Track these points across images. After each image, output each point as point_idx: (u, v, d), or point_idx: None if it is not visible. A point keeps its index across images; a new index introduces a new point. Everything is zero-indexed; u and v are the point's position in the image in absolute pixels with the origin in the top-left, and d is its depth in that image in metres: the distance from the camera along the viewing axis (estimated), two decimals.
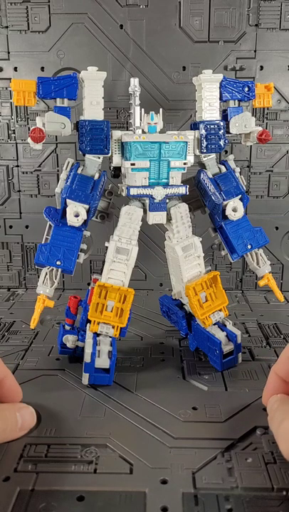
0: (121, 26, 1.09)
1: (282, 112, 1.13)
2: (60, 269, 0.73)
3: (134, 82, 0.78)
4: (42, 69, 1.11)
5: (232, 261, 0.81)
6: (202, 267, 0.78)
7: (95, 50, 1.10)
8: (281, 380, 0.59)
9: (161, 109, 0.75)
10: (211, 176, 0.78)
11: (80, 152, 0.75)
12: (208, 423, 0.63)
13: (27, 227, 1.21)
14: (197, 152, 0.78)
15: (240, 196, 0.78)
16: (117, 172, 0.78)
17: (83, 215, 0.72)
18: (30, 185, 1.18)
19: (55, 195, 0.75)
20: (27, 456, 0.57)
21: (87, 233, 0.75)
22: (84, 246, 0.75)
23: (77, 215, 0.72)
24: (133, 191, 0.73)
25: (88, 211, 0.73)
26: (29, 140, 0.71)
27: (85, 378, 0.71)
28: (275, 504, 0.49)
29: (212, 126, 0.77)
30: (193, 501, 0.50)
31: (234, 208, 0.77)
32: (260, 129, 0.78)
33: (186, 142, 0.73)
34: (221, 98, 0.77)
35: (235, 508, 0.49)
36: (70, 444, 0.59)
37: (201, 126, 0.76)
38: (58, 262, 0.73)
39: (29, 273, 1.24)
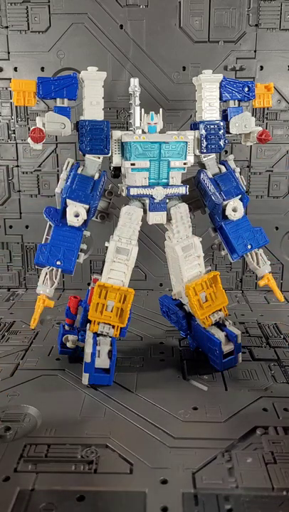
0: (121, 26, 1.09)
1: (282, 112, 1.13)
2: (60, 269, 0.73)
3: (134, 82, 0.77)
4: (42, 69, 1.11)
5: (232, 261, 0.81)
6: (202, 267, 0.78)
7: (95, 50, 1.10)
8: None
9: (161, 109, 0.75)
10: (211, 176, 0.78)
11: (80, 152, 0.75)
12: (208, 423, 0.63)
13: (27, 227, 1.20)
14: (197, 152, 0.77)
15: (240, 196, 0.78)
16: (117, 172, 0.78)
17: (83, 215, 0.72)
18: (30, 185, 1.18)
19: (55, 195, 0.75)
20: (27, 456, 0.57)
21: (87, 233, 0.75)
22: (84, 246, 0.75)
23: (77, 215, 0.72)
24: (133, 191, 0.73)
25: (88, 211, 0.73)
26: (29, 140, 0.71)
27: (85, 378, 0.71)
28: (275, 504, 0.49)
29: (212, 126, 0.77)
30: (193, 501, 0.50)
31: (234, 208, 0.77)
32: (260, 129, 0.78)
33: (186, 142, 0.73)
34: (220, 98, 0.77)
35: (235, 508, 0.49)
36: (70, 444, 0.59)
37: (201, 126, 0.76)
38: (58, 262, 0.73)
39: (29, 273, 1.23)
